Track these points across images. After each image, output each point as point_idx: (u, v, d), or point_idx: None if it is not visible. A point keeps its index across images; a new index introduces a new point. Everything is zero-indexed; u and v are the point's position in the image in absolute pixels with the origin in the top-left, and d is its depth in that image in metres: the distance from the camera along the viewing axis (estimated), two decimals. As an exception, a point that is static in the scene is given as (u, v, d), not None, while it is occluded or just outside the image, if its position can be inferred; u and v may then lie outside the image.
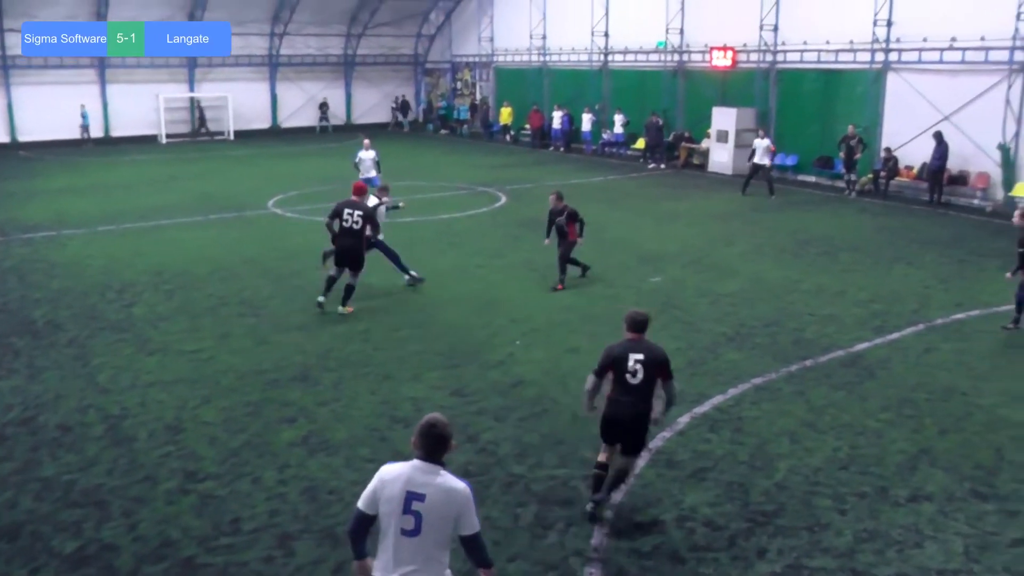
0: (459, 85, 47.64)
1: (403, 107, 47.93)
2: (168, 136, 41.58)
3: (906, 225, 21.91)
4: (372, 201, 15.12)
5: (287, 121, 45.44)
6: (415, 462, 4.83)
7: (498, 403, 10.51)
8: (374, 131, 42.41)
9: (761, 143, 25.64)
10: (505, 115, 41.53)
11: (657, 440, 9.40)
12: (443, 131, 46.21)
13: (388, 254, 15.37)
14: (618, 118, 35.49)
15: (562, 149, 37.67)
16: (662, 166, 32.16)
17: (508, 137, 41.44)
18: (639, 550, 7.43)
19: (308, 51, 44.92)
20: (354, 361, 11.91)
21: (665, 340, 12.62)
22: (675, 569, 7.21)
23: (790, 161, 29.48)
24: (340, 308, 13.92)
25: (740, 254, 18.42)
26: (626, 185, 28.54)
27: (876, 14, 26.54)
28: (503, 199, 24.85)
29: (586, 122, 36.85)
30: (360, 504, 4.92)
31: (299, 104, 45.54)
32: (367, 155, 23.09)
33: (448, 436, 4.84)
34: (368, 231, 13.96)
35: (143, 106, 41.01)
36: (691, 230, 20.99)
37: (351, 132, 44.27)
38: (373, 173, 22.92)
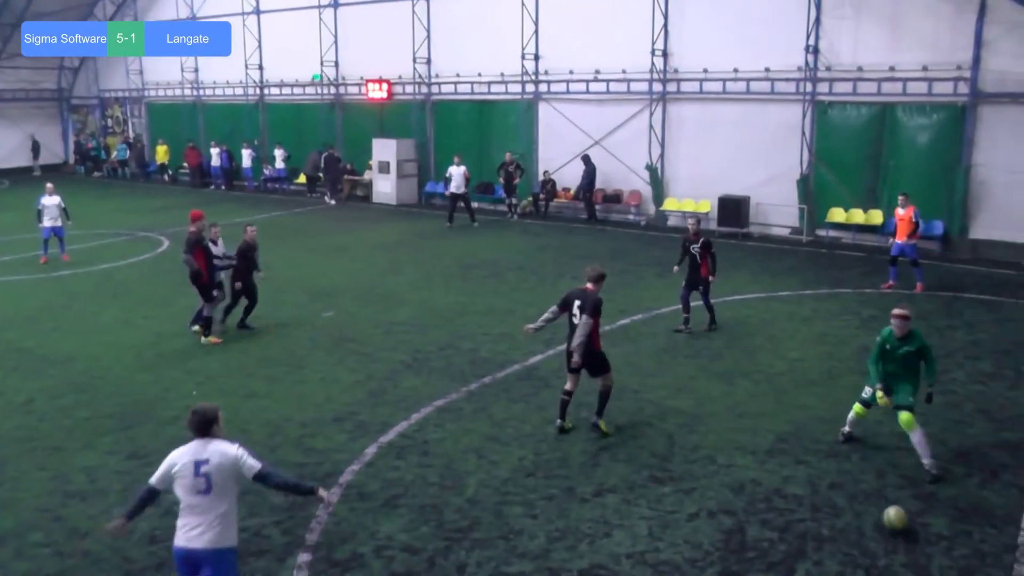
0: (109, 122, 44.55)
1: (35, 148, 43.85)
2: None
3: (567, 243, 23.27)
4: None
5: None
6: (195, 442, 6.06)
7: (178, 461, 9.89)
8: (16, 176, 38.90)
9: (457, 171, 25.99)
10: (161, 153, 39.33)
11: (346, 474, 9.28)
12: (96, 173, 42.91)
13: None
14: (279, 153, 34.92)
15: (223, 187, 36.36)
16: (333, 200, 31.86)
17: (166, 177, 39.31)
18: (337, 587, 7.24)
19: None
20: (16, 437, 10.60)
21: (343, 373, 12.73)
22: (376, 600, 7.07)
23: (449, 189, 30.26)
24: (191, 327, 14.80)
25: (410, 282, 18.66)
26: (292, 221, 28.05)
27: (524, 48, 28.07)
28: (166, 244, 23.48)
29: (246, 158, 35.83)
30: (153, 480, 6.11)
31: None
32: (51, 201, 20.97)
33: (210, 417, 6.07)
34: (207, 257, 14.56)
35: None
36: (360, 262, 21.00)
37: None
38: (59, 222, 21.01)
